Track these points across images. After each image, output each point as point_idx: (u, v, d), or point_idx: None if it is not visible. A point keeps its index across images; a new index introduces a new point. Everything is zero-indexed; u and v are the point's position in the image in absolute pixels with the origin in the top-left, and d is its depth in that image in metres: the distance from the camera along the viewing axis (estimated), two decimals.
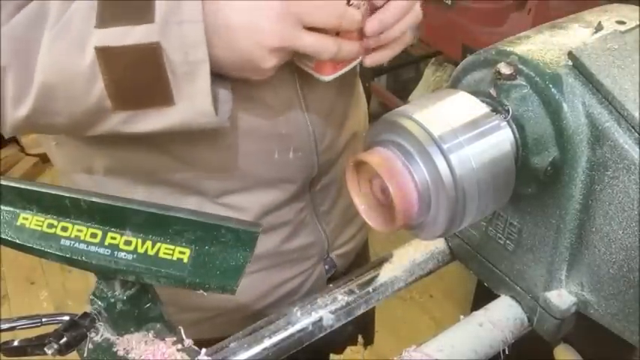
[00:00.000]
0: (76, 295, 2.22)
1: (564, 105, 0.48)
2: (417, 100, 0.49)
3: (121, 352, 0.52)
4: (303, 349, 0.62)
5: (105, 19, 0.56)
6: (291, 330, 0.61)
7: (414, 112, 0.47)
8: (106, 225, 0.50)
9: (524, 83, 0.49)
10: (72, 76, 0.57)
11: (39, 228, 0.50)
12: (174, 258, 0.49)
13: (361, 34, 0.64)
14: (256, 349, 0.59)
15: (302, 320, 0.61)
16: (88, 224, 0.50)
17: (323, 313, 0.62)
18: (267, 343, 0.59)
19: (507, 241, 0.58)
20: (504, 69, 0.49)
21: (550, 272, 0.54)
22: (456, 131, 0.46)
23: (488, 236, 0.60)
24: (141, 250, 0.49)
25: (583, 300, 0.53)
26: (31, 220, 0.50)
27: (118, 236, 0.49)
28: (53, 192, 0.49)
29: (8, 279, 2.35)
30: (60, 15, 0.57)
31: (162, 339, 0.53)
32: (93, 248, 0.49)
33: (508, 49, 0.51)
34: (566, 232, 0.51)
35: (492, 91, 0.50)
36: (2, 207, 0.50)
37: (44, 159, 2.74)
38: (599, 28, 0.51)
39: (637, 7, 0.54)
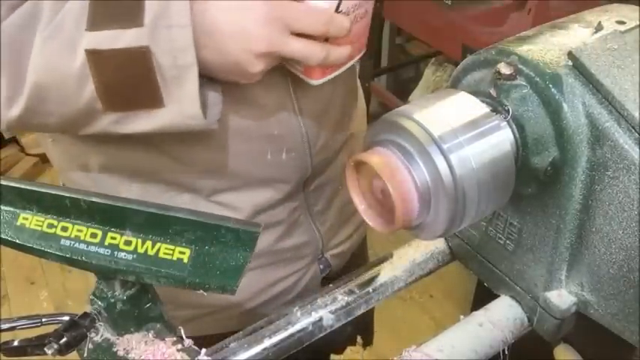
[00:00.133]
0: (76, 295, 2.22)
1: (564, 105, 0.48)
2: (417, 100, 0.49)
3: (121, 352, 0.52)
4: (303, 349, 0.62)
5: (95, 22, 0.56)
6: (291, 330, 0.61)
7: (414, 112, 0.47)
8: (106, 225, 0.50)
9: (524, 83, 0.49)
10: (63, 78, 0.58)
11: (39, 228, 0.50)
12: (174, 258, 0.49)
13: (351, 39, 0.64)
14: (256, 349, 0.59)
15: (302, 320, 0.61)
16: (88, 224, 0.50)
17: (323, 313, 0.62)
18: (267, 343, 0.59)
19: (507, 241, 0.58)
20: (504, 69, 0.49)
21: (550, 272, 0.54)
22: (456, 131, 0.46)
23: (488, 236, 0.60)
24: (141, 250, 0.49)
25: (583, 300, 0.53)
26: (31, 220, 0.50)
27: (118, 236, 0.49)
28: (53, 192, 0.49)
29: (8, 279, 2.35)
30: (52, 16, 0.57)
31: (163, 339, 0.53)
32: (93, 248, 0.49)
33: (508, 49, 0.51)
34: (566, 232, 0.51)
35: (492, 91, 0.50)
36: (2, 207, 0.50)
37: (44, 159, 2.74)
38: (599, 28, 0.51)
39: (637, 7, 0.54)
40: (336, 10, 0.60)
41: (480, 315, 0.59)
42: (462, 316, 0.60)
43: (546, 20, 0.56)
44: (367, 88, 2.69)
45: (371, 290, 0.65)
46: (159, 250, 0.49)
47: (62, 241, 0.50)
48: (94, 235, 0.49)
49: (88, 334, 0.52)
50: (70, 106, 0.60)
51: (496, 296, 0.61)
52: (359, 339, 1.09)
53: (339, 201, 0.87)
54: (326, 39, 0.62)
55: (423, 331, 1.99)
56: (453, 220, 0.47)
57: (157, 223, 0.49)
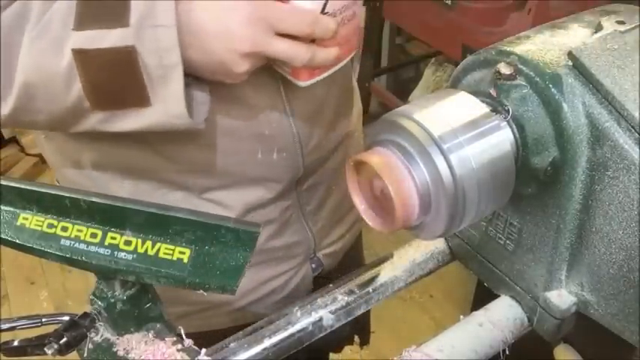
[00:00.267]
0: (76, 295, 2.22)
1: (564, 105, 0.48)
2: (417, 100, 0.49)
3: (121, 352, 0.52)
4: (302, 349, 0.62)
5: (82, 22, 0.57)
6: (291, 330, 0.61)
7: (414, 112, 0.47)
8: (106, 225, 0.50)
9: (524, 83, 0.49)
10: (51, 77, 0.58)
11: (39, 228, 0.50)
12: (174, 258, 0.49)
13: (339, 41, 0.63)
14: (256, 349, 0.59)
15: (302, 320, 0.61)
16: (88, 224, 0.50)
17: (323, 313, 0.62)
18: (267, 343, 0.59)
19: (507, 241, 0.58)
20: (504, 69, 0.49)
21: (550, 272, 0.54)
22: (456, 131, 0.46)
23: (488, 236, 0.60)
24: (141, 250, 0.49)
25: (583, 300, 0.53)
26: (31, 220, 0.50)
27: (118, 236, 0.49)
28: (53, 192, 0.49)
29: (8, 279, 2.34)
30: (41, 15, 0.58)
31: (163, 339, 0.53)
32: (93, 248, 0.49)
33: (508, 49, 0.51)
34: (566, 232, 0.51)
35: (492, 91, 0.50)
36: (2, 207, 0.50)
37: (44, 159, 2.73)
38: (599, 28, 0.51)
39: (637, 7, 0.54)
40: (322, 11, 0.60)
41: (479, 315, 0.59)
42: (462, 316, 0.60)
43: (546, 20, 0.56)
44: (367, 88, 2.69)
45: (371, 290, 0.65)
46: (159, 250, 0.49)
47: (62, 241, 0.50)
48: (94, 235, 0.49)
49: (88, 334, 0.52)
50: (59, 105, 0.60)
51: (496, 296, 0.61)
52: (356, 338, 1.10)
53: (332, 201, 0.87)
54: (313, 40, 0.61)
55: (423, 331, 1.99)
56: (453, 219, 0.47)
57: (157, 223, 0.49)
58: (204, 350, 0.54)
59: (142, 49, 0.56)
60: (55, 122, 0.63)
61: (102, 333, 0.53)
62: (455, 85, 0.56)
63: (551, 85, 0.48)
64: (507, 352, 0.58)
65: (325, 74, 0.68)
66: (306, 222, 0.84)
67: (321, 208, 0.86)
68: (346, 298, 0.63)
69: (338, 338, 1.06)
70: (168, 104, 0.59)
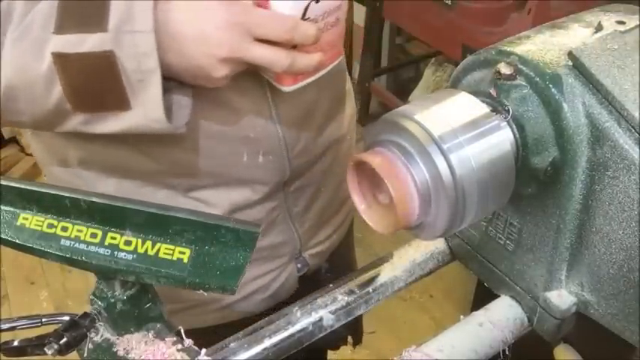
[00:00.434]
0: (76, 295, 2.22)
1: (564, 105, 0.48)
2: (417, 100, 0.49)
3: (121, 352, 0.52)
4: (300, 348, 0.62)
5: (62, 25, 0.57)
6: (291, 330, 0.61)
7: (414, 112, 0.47)
8: (106, 225, 0.50)
9: (524, 83, 0.49)
10: (32, 79, 0.59)
11: (39, 228, 0.50)
12: (174, 258, 0.49)
13: (322, 47, 0.63)
14: (256, 349, 0.59)
15: (302, 320, 0.61)
16: (88, 224, 0.50)
17: (323, 313, 0.62)
18: (267, 343, 0.59)
19: (507, 241, 0.58)
20: (504, 69, 0.49)
21: (550, 272, 0.54)
22: (456, 131, 0.46)
23: (488, 236, 0.60)
24: (141, 250, 0.49)
25: (583, 300, 0.53)
26: (31, 220, 0.50)
27: (118, 236, 0.50)
28: (53, 192, 0.49)
29: (8, 279, 2.34)
30: (23, 17, 0.58)
31: (163, 339, 0.53)
32: (93, 248, 0.49)
33: (508, 49, 0.51)
34: (566, 232, 0.51)
35: (492, 91, 0.50)
36: (2, 207, 0.50)
37: None
38: (599, 28, 0.51)
39: (637, 7, 0.54)
40: (303, 17, 0.59)
41: (479, 315, 0.59)
42: (462, 316, 0.60)
43: (546, 20, 0.56)
44: (367, 88, 2.70)
45: (371, 290, 0.65)
46: (159, 250, 0.49)
47: (62, 241, 0.50)
48: (94, 235, 0.50)
49: (88, 334, 0.52)
50: (41, 107, 0.61)
51: (496, 296, 0.61)
52: (349, 338, 1.10)
53: (320, 202, 0.87)
54: (294, 46, 0.61)
55: (423, 331, 1.99)
56: (453, 220, 0.47)
57: (157, 223, 0.49)
58: (204, 350, 0.54)
59: (121, 54, 0.56)
60: (39, 123, 0.64)
61: (102, 333, 0.53)
62: (455, 85, 0.56)
63: (551, 85, 0.48)
64: (507, 352, 0.58)
65: (310, 79, 0.67)
66: (293, 223, 0.84)
67: (308, 210, 0.86)
68: (346, 298, 0.64)
69: (333, 338, 1.06)
70: (147, 108, 0.59)
